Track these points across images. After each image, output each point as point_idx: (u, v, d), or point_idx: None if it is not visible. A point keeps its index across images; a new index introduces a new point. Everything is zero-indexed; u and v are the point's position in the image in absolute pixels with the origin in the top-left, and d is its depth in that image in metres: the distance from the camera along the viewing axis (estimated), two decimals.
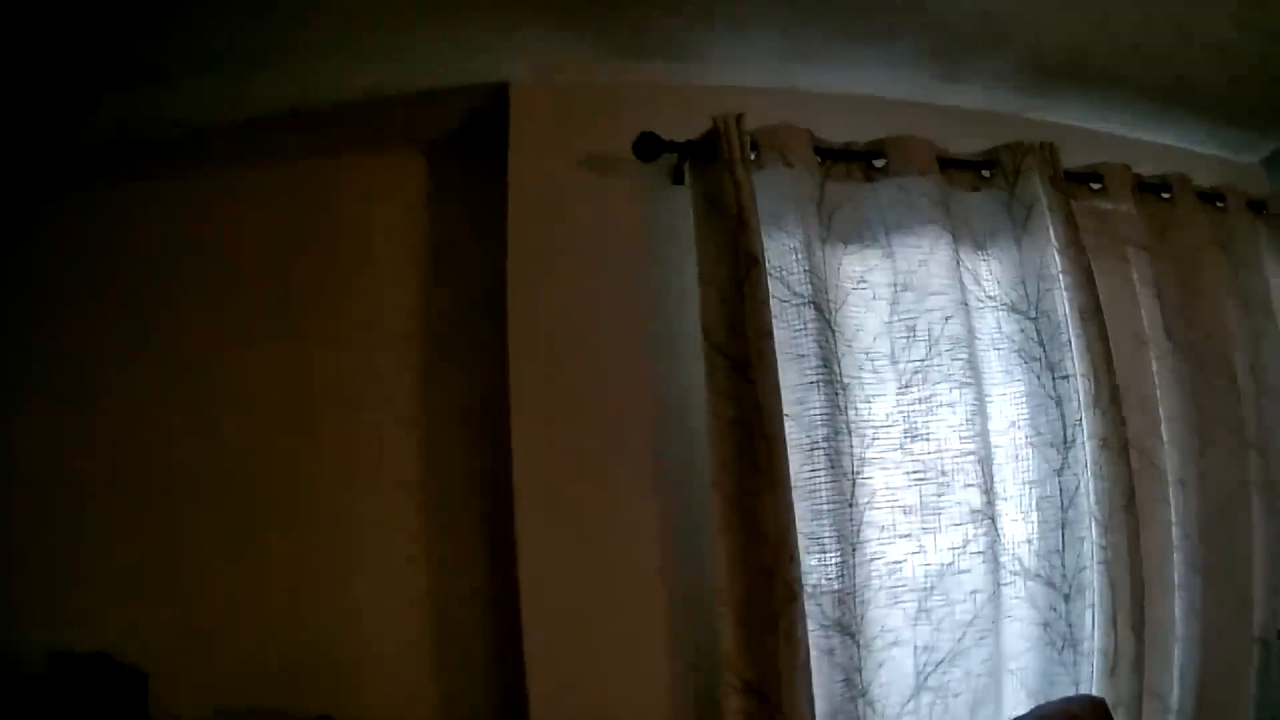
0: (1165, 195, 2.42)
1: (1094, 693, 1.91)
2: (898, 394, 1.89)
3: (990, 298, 2.01)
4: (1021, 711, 1.82)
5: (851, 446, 1.80)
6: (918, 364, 1.89)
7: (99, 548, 1.90)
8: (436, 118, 2.11)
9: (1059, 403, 1.96)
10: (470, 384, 2.03)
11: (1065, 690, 1.92)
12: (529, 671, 1.74)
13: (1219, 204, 2.58)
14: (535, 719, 1.73)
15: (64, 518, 1.90)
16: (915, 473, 1.86)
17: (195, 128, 1.98)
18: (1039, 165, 2.07)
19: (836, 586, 1.74)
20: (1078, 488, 1.93)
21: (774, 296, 1.80)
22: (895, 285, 1.91)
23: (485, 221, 1.97)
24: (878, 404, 1.87)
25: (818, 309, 1.82)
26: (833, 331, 1.83)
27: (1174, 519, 2.19)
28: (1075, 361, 1.96)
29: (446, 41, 1.88)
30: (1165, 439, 2.20)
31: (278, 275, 2.07)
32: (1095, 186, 2.27)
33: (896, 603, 1.82)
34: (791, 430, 1.76)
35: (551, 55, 1.98)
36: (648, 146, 1.89)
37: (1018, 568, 1.94)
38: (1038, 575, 1.93)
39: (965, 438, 1.89)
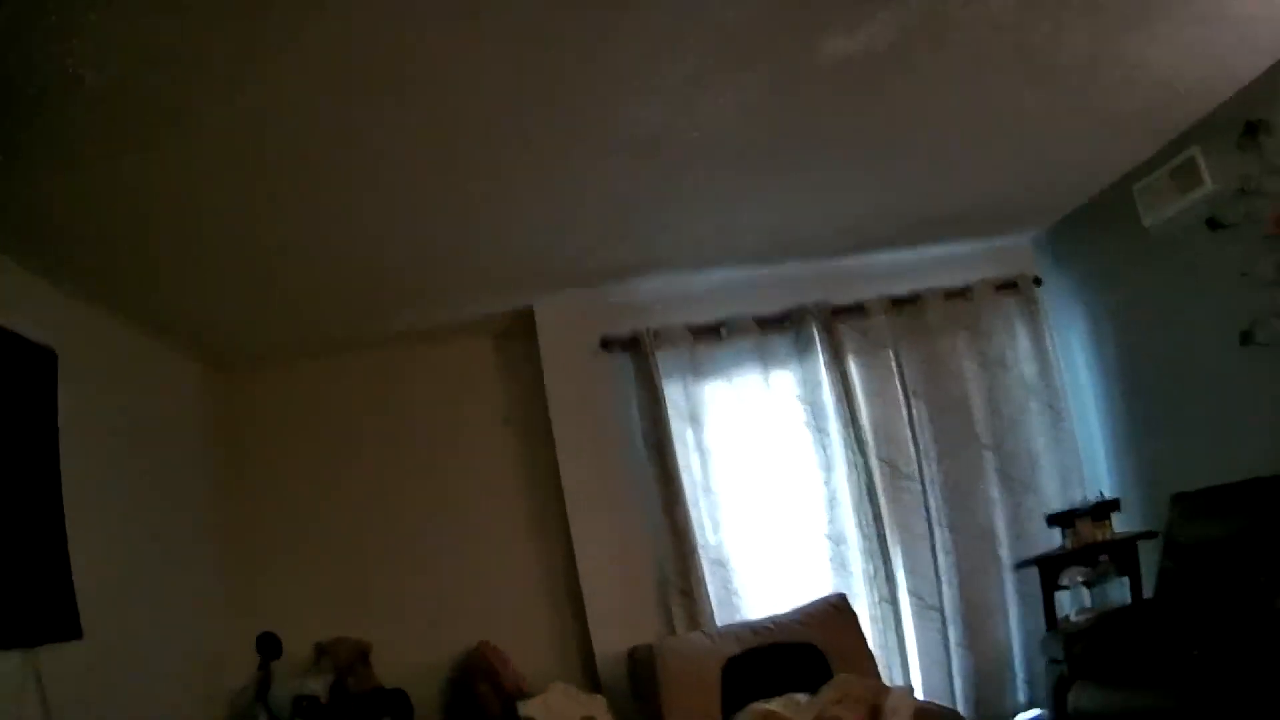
0: (917, 303, 4.16)
1: (863, 593, 3.83)
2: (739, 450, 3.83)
3: (790, 395, 3.90)
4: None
5: (714, 477, 3.77)
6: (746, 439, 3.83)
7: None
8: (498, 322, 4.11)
9: (824, 448, 3.84)
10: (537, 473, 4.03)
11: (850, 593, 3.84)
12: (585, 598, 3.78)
13: (967, 296, 4.28)
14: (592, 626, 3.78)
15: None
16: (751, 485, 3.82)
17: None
18: (814, 316, 3.91)
19: (715, 545, 3.74)
20: (836, 493, 3.83)
21: (670, 415, 3.76)
22: (733, 397, 3.84)
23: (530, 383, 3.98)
24: (731, 460, 3.82)
25: (694, 419, 3.77)
26: (700, 427, 3.78)
27: (926, 500, 4.01)
28: (833, 426, 3.84)
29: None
30: (915, 455, 4.01)
31: (420, 424, 4.08)
32: (861, 311, 4.06)
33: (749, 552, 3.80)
34: (684, 475, 3.74)
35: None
36: (606, 343, 3.87)
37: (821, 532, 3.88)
38: (822, 534, 3.84)
39: (782, 471, 3.81)
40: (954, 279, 4.28)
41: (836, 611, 3.60)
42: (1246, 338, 3.40)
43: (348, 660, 3.76)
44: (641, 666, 3.53)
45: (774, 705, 3.22)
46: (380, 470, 3.98)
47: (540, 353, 3.90)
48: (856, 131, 2.94)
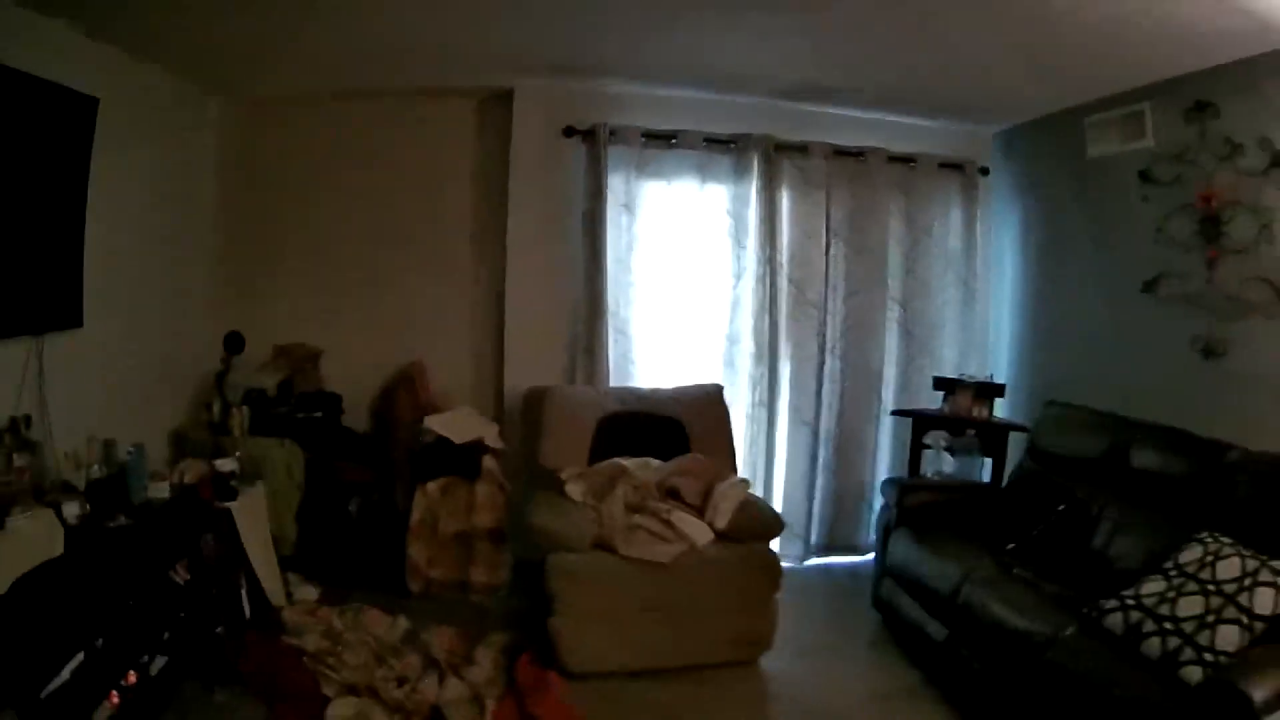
0: (861, 158, 4.52)
1: (744, 393, 4.32)
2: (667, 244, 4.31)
3: (719, 209, 4.33)
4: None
5: (635, 262, 4.27)
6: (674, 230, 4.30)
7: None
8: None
9: (738, 258, 4.28)
10: (490, 225, 4.52)
11: (732, 390, 4.33)
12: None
13: (911, 164, 4.62)
14: (507, 363, 4.34)
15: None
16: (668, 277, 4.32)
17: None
18: (755, 145, 4.30)
19: (622, 317, 4.25)
20: (740, 298, 4.29)
21: (609, 201, 4.22)
22: (669, 198, 4.29)
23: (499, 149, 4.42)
24: (654, 247, 4.30)
25: (628, 209, 4.23)
26: (633, 217, 4.24)
27: (824, 329, 4.45)
28: (751, 240, 4.26)
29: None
30: (824, 287, 4.43)
31: (400, 167, 4.55)
32: (804, 152, 4.43)
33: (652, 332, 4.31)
34: (610, 252, 4.23)
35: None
36: (569, 130, 4.31)
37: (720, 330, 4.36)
38: (721, 332, 4.32)
39: (698, 270, 4.28)
40: (902, 146, 4.62)
41: (709, 399, 4.12)
42: (1149, 286, 3.76)
43: (299, 362, 4.40)
44: (533, 405, 4.09)
45: (629, 463, 3.79)
46: (357, 203, 4.52)
47: (513, 126, 4.36)
48: None
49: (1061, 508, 3.43)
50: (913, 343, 4.66)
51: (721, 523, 3.42)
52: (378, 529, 4.04)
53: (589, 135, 4.26)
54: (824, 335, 4.47)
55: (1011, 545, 3.38)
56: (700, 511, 3.51)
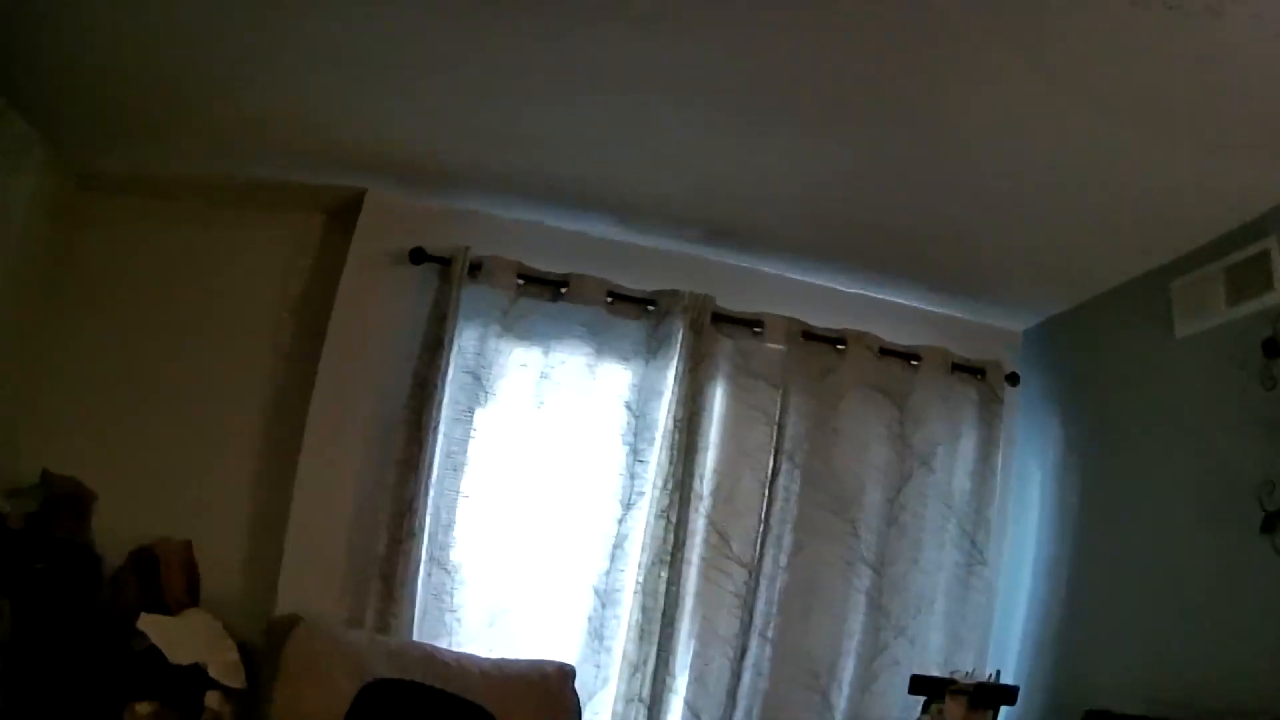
0: (840, 346, 3.14)
1: (615, 682, 2.81)
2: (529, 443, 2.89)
3: (615, 399, 2.93)
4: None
5: (474, 461, 2.87)
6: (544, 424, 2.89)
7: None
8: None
9: (632, 476, 2.84)
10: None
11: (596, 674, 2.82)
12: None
13: (913, 362, 3.23)
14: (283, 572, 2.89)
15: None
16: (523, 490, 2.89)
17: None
18: (685, 310, 2.93)
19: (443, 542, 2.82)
20: (628, 536, 2.82)
21: (453, 364, 2.84)
22: (543, 374, 2.89)
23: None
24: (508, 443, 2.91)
25: (478, 379, 2.84)
26: (483, 393, 2.85)
27: (753, 597, 2.97)
28: (655, 452, 2.83)
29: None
30: (758, 535, 2.98)
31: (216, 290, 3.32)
32: (757, 330, 3.05)
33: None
34: (441, 441, 2.83)
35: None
36: (416, 255, 2.98)
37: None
38: (590, 585, 2.84)
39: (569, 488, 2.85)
40: (897, 336, 3.26)
41: (544, 686, 2.62)
42: (1272, 523, 2.28)
43: (62, 499, 3.06)
44: (275, 639, 2.64)
45: None
46: (164, 326, 3.32)
47: (352, 241, 3.10)
48: (869, 82, 2.12)
49: None
50: (885, 624, 3.12)
51: None
52: None
53: (443, 265, 2.93)
54: (751, 609, 2.95)
55: None
56: None
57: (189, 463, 3.20)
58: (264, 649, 2.79)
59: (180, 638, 2.74)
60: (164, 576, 2.96)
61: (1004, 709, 2.91)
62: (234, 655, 2.78)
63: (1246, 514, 2.34)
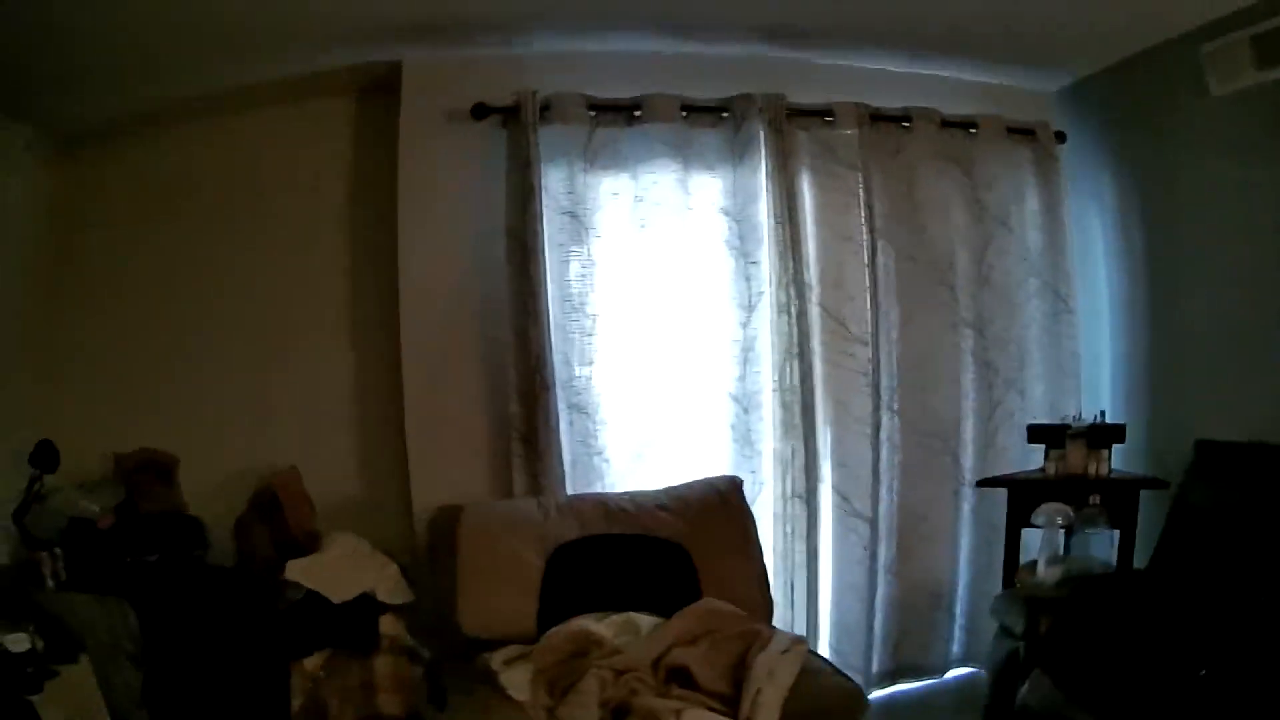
0: (906, 124, 3.16)
1: (770, 483, 2.89)
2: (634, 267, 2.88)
3: (711, 205, 2.92)
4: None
5: (592, 297, 2.82)
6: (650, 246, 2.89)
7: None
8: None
9: (747, 279, 2.87)
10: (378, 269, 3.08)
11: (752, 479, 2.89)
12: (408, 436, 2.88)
13: (971, 130, 3.27)
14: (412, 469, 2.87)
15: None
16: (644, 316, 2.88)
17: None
18: (760, 112, 2.91)
19: (579, 385, 2.80)
20: (756, 337, 2.86)
21: (546, 208, 2.79)
22: (637, 198, 2.86)
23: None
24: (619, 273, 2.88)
25: (576, 218, 2.80)
26: (585, 230, 2.81)
27: (877, 374, 3.05)
28: (765, 251, 2.86)
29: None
30: (871, 313, 3.03)
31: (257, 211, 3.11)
32: (829, 119, 3.06)
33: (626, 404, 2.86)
34: (553, 288, 2.78)
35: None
36: (480, 110, 2.88)
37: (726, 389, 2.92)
38: (727, 393, 2.89)
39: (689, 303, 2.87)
40: (953, 107, 3.28)
41: (722, 502, 2.69)
42: None
43: (140, 476, 2.87)
44: (442, 537, 2.62)
45: (602, 627, 2.37)
46: (206, 258, 3.08)
47: (400, 116, 2.94)
48: None
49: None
50: (995, 380, 3.26)
51: None
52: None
53: (510, 114, 2.85)
54: (878, 385, 3.04)
55: (1204, 671, 2.06)
56: (731, 704, 2.10)
57: (280, 391, 3.04)
58: (425, 550, 2.78)
59: (335, 573, 2.63)
60: (287, 510, 2.81)
61: (1115, 447, 3.10)
62: (393, 569, 2.70)
63: None
